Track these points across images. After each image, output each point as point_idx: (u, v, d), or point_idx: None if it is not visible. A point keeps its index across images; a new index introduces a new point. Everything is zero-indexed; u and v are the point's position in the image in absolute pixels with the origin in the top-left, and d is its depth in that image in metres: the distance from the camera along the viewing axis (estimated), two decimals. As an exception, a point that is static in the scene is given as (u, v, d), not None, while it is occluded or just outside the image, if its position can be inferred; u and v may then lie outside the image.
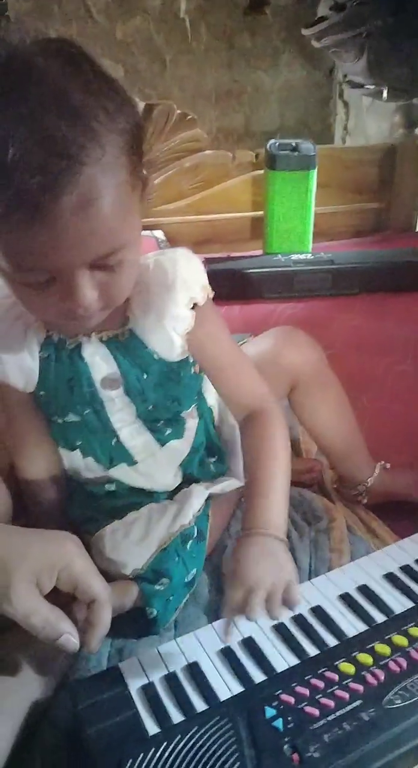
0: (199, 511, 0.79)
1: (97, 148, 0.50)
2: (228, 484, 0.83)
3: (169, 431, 0.78)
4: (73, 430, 0.76)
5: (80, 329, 0.68)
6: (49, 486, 0.80)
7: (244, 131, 2.55)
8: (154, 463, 0.80)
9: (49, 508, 0.81)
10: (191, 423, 0.81)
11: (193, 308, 0.69)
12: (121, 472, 0.80)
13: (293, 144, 1.67)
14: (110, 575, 0.75)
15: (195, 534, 0.78)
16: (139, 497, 0.80)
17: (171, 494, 0.82)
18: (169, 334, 0.69)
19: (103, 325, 0.67)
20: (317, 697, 0.59)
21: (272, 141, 1.71)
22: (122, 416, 0.75)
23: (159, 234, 1.69)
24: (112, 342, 0.70)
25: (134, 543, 0.75)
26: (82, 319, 0.59)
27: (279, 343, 0.89)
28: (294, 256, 1.64)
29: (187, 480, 0.83)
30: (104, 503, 0.80)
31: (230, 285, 1.52)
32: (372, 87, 2.00)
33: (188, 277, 0.69)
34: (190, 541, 0.77)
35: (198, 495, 0.80)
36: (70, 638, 0.58)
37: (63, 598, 0.60)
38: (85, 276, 0.55)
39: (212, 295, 0.72)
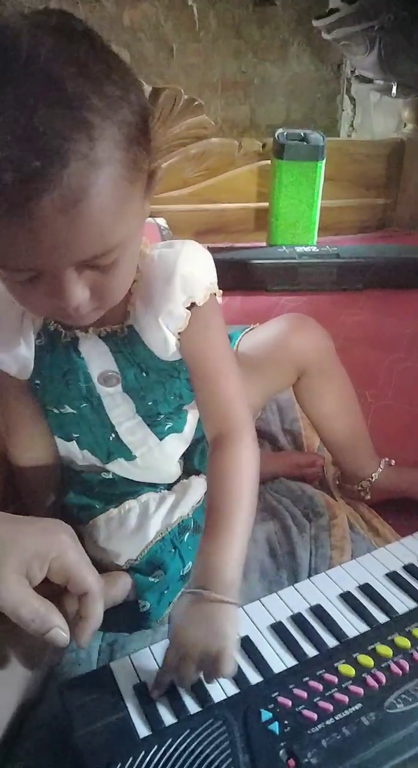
0: (198, 503, 0.77)
1: (86, 141, 0.44)
2: None
3: (169, 425, 0.76)
4: (69, 422, 0.73)
5: (77, 324, 0.64)
6: (43, 473, 0.78)
7: (249, 123, 2.52)
8: (152, 458, 0.77)
9: (42, 495, 0.79)
10: (192, 415, 0.78)
11: (190, 308, 0.65)
12: (119, 467, 0.77)
13: (302, 134, 1.64)
14: (103, 565, 0.73)
15: (192, 526, 0.76)
16: (137, 486, 0.78)
17: (170, 485, 0.80)
18: (164, 331, 0.65)
19: (102, 320, 0.62)
20: (315, 700, 0.56)
21: (280, 130, 1.68)
22: (121, 412, 0.72)
23: (162, 222, 1.66)
24: (110, 338, 0.66)
25: (130, 533, 0.73)
26: (74, 317, 0.55)
27: (289, 329, 0.85)
28: (299, 249, 1.61)
29: (188, 472, 0.80)
30: (100, 490, 0.77)
31: (232, 275, 1.49)
32: (381, 82, 1.98)
33: (190, 274, 0.64)
34: (188, 534, 0.75)
35: (198, 486, 0.78)
36: (60, 632, 0.56)
37: (54, 590, 0.58)
38: (72, 276, 0.50)
39: (219, 294, 0.67)
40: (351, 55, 1.94)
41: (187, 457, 0.81)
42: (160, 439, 0.76)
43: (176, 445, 0.78)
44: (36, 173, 0.43)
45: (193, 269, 0.65)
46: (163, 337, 0.65)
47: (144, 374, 0.69)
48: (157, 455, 0.77)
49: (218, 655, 0.55)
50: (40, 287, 0.51)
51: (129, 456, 0.76)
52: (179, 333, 0.66)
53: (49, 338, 0.67)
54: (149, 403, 0.72)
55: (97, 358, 0.67)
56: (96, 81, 0.45)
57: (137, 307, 0.65)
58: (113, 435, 0.74)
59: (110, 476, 0.78)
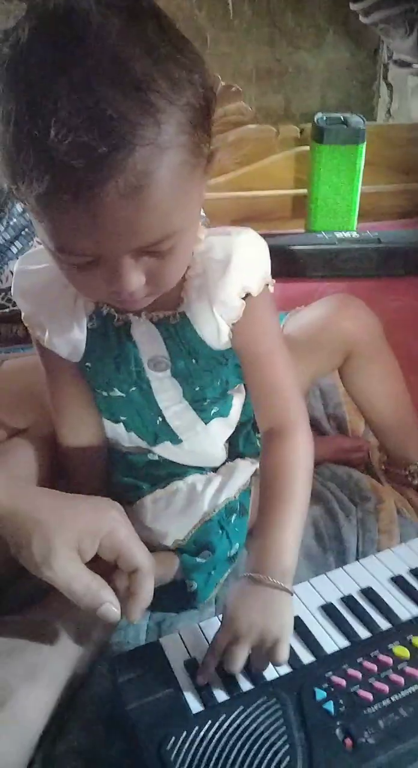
0: (244, 485, 0.77)
1: (153, 126, 0.44)
2: None
3: (215, 409, 0.75)
4: (118, 405, 0.73)
5: (130, 309, 0.63)
6: (90, 455, 0.78)
7: (284, 112, 2.48)
8: (198, 442, 0.76)
9: (89, 476, 0.79)
10: (238, 399, 0.78)
11: (245, 298, 0.63)
12: (165, 450, 0.77)
13: (342, 117, 1.62)
14: (150, 545, 0.72)
15: (239, 508, 0.75)
16: (183, 468, 0.77)
17: (215, 468, 0.79)
18: (217, 321, 0.64)
19: (155, 305, 0.61)
20: (370, 680, 0.56)
21: (319, 114, 1.66)
22: (168, 396, 0.72)
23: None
24: (162, 324, 0.65)
25: (176, 513, 0.73)
26: (128, 303, 0.56)
27: (336, 309, 0.84)
28: (339, 234, 1.59)
29: (233, 455, 0.80)
30: (147, 471, 0.77)
31: (271, 262, 1.47)
32: (421, 66, 1.93)
33: (246, 263, 0.63)
34: (234, 515, 0.74)
35: (244, 469, 0.77)
36: (112, 607, 0.56)
37: (104, 567, 0.58)
38: (130, 262, 0.50)
39: (272, 284, 0.65)
40: (389, 38, 1.89)
41: (231, 441, 0.80)
42: (206, 423, 0.75)
43: (222, 429, 0.78)
44: (103, 158, 0.43)
45: (250, 258, 0.63)
46: (217, 326, 0.64)
47: (193, 361, 0.68)
48: (203, 439, 0.76)
49: (275, 640, 0.55)
50: (96, 272, 0.51)
51: (175, 440, 0.75)
52: (232, 324, 0.64)
53: (102, 322, 0.66)
54: (196, 389, 0.71)
55: (148, 343, 0.67)
56: (163, 63, 0.45)
57: (191, 295, 0.64)
58: (160, 419, 0.73)
59: (157, 458, 0.78)
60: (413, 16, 1.71)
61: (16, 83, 0.44)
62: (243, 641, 0.55)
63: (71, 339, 0.67)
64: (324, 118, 1.63)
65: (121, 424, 0.76)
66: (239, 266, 0.62)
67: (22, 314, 0.69)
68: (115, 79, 0.43)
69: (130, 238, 0.48)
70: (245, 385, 0.76)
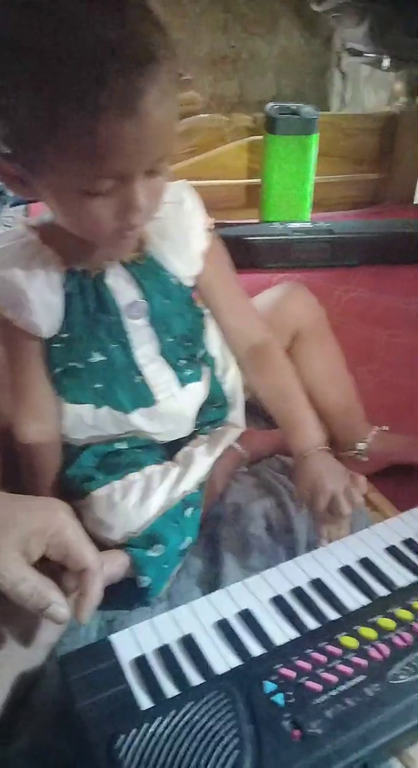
0: (203, 477, 0.77)
1: (168, 49, 0.54)
2: (228, 438, 0.86)
3: (189, 372, 0.79)
4: (95, 374, 0.73)
5: (122, 248, 0.68)
6: (47, 448, 0.77)
7: (237, 100, 2.48)
8: (174, 404, 0.78)
9: (44, 472, 0.78)
10: (206, 373, 0.82)
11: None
12: (140, 417, 0.77)
13: (294, 107, 1.62)
14: (101, 538, 0.72)
15: (196, 502, 0.76)
16: (143, 456, 0.78)
17: (171, 451, 0.81)
18: (191, 252, 0.72)
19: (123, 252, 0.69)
20: (318, 671, 0.56)
21: (271, 104, 1.65)
22: (146, 351, 0.74)
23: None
24: (133, 266, 0.71)
25: (132, 506, 0.73)
26: (133, 231, 0.62)
27: (284, 295, 0.92)
28: (292, 225, 1.60)
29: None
30: (104, 462, 0.78)
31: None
32: (373, 55, 1.95)
33: (197, 203, 0.73)
34: (190, 508, 0.75)
35: (201, 462, 0.78)
36: (60, 608, 0.55)
37: (52, 567, 0.57)
38: (142, 182, 0.57)
39: (211, 226, 0.76)
40: (341, 27, 1.90)
41: None
42: (182, 386, 0.78)
43: (195, 394, 0.81)
44: (146, 66, 0.51)
45: (196, 199, 0.73)
46: (190, 258, 0.73)
47: (167, 300, 0.73)
48: (178, 402, 0.79)
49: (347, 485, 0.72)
50: (109, 203, 0.57)
51: (151, 401, 0.76)
52: (203, 255, 0.73)
53: (77, 281, 0.69)
54: (170, 340, 0.75)
55: (124, 288, 0.71)
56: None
57: (153, 238, 0.71)
58: (140, 377, 0.75)
59: (115, 447, 0.78)
60: (365, 4, 1.72)
61: (57, 21, 0.51)
62: (338, 494, 0.72)
63: (51, 307, 0.68)
64: (276, 108, 1.63)
65: (87, 405, 0.75)
66: (194, 201, 0.73)
67: None
68: (146, 15, 0.53)
69: (153, 149, 0.56)
70: (206, 361, 0.80)
